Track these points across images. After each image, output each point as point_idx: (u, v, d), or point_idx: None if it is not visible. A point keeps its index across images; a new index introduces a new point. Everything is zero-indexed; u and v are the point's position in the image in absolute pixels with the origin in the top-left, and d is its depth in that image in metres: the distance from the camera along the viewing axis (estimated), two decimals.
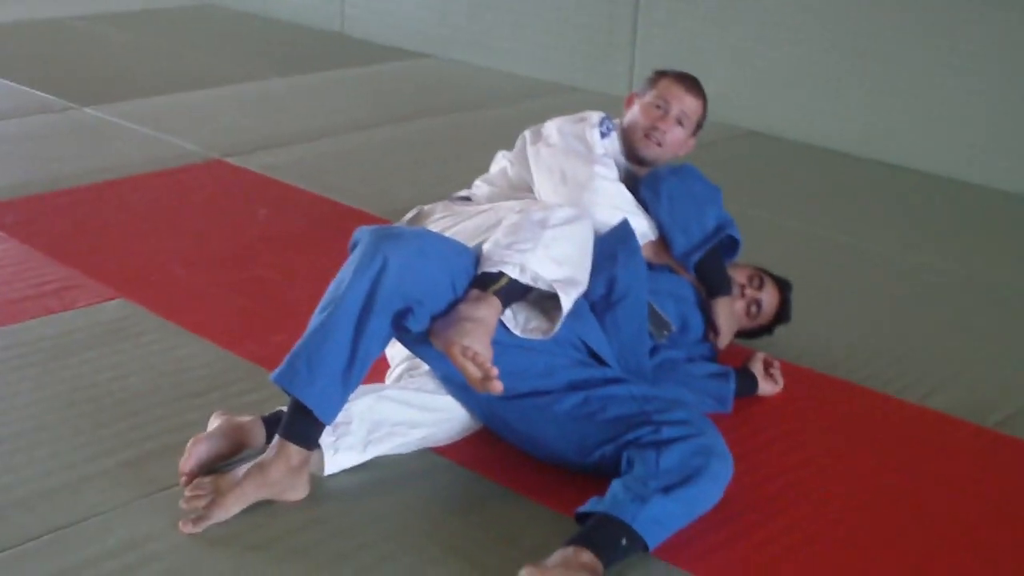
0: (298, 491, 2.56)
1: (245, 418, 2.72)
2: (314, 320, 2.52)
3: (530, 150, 3.12)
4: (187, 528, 2.44)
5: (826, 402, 3.14)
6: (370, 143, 5.38)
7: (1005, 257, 4.30)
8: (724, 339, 3.17)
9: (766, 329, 3.31)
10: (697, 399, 2.95)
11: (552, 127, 3.15)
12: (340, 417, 2.58)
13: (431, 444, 2.80)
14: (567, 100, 6.08)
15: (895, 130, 5.34)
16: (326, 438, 2.61)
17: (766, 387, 3.12)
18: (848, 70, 5.44)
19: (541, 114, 3.36)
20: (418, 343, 2.61)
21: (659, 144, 3.17)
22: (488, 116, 5.95)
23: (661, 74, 3.25)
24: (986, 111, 5.05)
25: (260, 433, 2.70)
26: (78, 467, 2.67)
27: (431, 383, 2.80)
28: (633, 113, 3.21)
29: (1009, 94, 4.97)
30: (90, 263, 3.81)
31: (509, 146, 3.25)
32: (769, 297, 3.25)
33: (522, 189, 3.13)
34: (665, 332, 3.01)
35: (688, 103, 3.19)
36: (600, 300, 2.86)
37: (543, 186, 3.05)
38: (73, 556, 2.37)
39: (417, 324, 2.51)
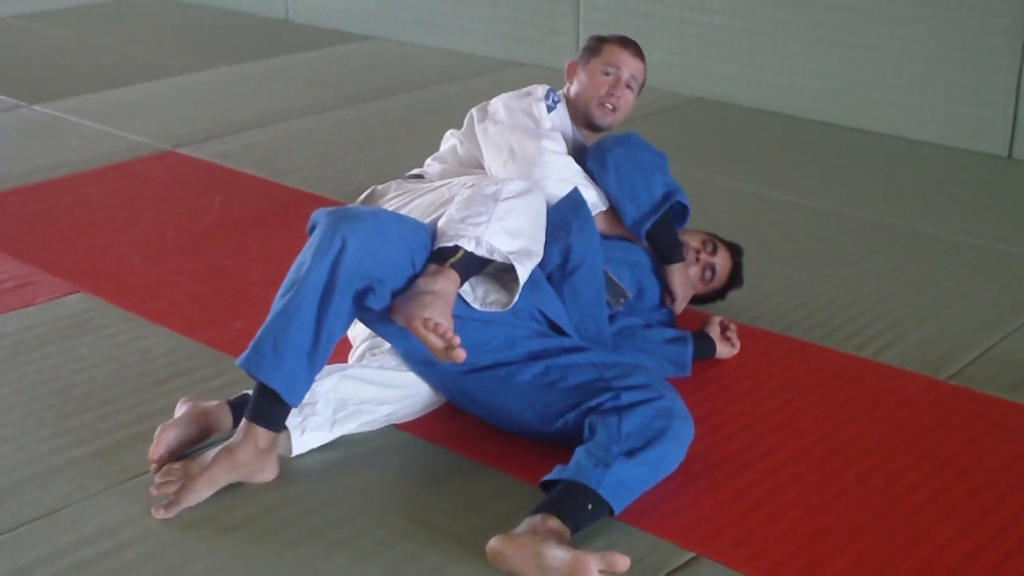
0: (267, 472, 2.59)
1: (211, 403, 2.75)
2: (276, 304, 2.55)
3: (478, 128, 3.15)
4: (159, 514, 2.47)
5: (782, 362, 3.19)
6: (320, 127, 5.40)
7: (951, 212, 4.37)
8: (680, 304, 3.22)
9: (719, 294, 3.36)
10: (656, 364, 3.00)
11: (499, 104, 3.18)
12: (306, 398, 2.61)
13: (396, 420, 2.83)
14: (514, 76, 6.10)
15: (836, 90, 5.40)
16: (293, 419, 2.65)
17: (723, 350, 3.17)
18: (790, 33, 5.49)
19: (489, 91, 3.39)
20: (380, 321, 2.65)
21: (614, 110, 3.22)
22: (436, 95, 5.97)
23: (602, 40, 3.28)
24: (927, 68, 5.12)
25: (227, 417, 2.73)
26: (46, 459, 2.70)
27: (393, 360, 2.84)
28: (581, 82, 3.24)
29: (949, 51, 5.04)
30: (48, 259, 3.82)
31: (459, 124, 3.28)
32: (722, 262, 3.31)
33: (472, 166, 3.17)
34: (622, 299, 3.06)
35: (635, 66, 3.24)
36: (556, 270, 2.90)
37: (493, 163, 3.09)
38: (47, 546, 2.39)
39: (378, 302, 2.54)
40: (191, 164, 4.87)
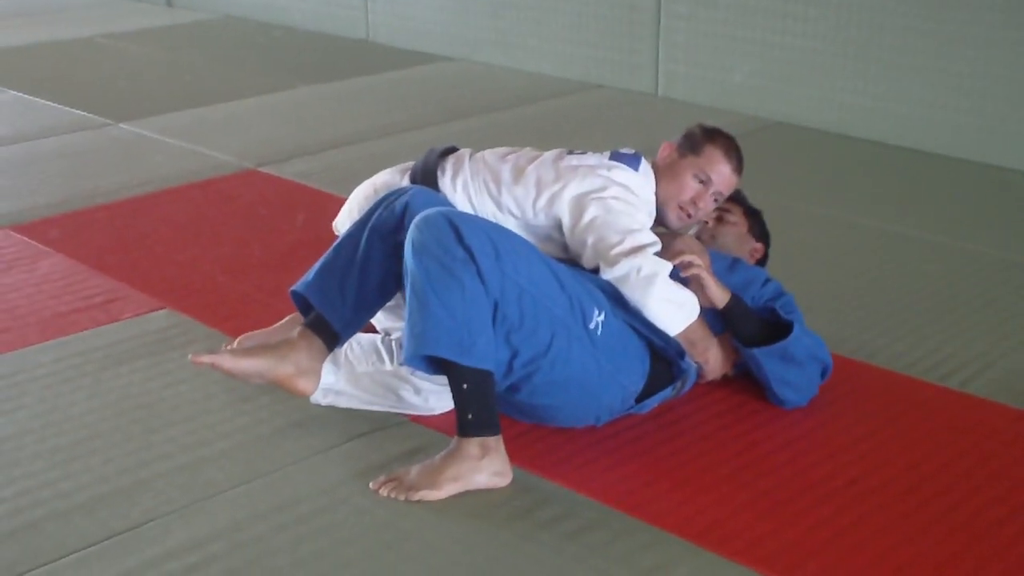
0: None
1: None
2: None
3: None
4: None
5: (865, 390, 3.15)
6: (400, 147, 5.41)
7: None
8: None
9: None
10: None
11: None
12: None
13: None
14: (593, 98, 6.14)
15: (920, 115, 5.35)
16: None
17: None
18: (873, 56, 5.46)
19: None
20: None
21: (690, 217, 3.08)
22: (516, 116, 5.98)
23: (708, 138, 3.10)
24: (1015, 93, 5.06)
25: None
26: (134, 472, 2.73)
27: None
28: (668, 175, 3.07)
29: None
30: (134, 275, 3.87)
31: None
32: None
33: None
34: None
35: (730, 182, 3.09)
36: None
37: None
38: (135, 558, 2.43)
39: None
40: (274, 182, 4.92)
